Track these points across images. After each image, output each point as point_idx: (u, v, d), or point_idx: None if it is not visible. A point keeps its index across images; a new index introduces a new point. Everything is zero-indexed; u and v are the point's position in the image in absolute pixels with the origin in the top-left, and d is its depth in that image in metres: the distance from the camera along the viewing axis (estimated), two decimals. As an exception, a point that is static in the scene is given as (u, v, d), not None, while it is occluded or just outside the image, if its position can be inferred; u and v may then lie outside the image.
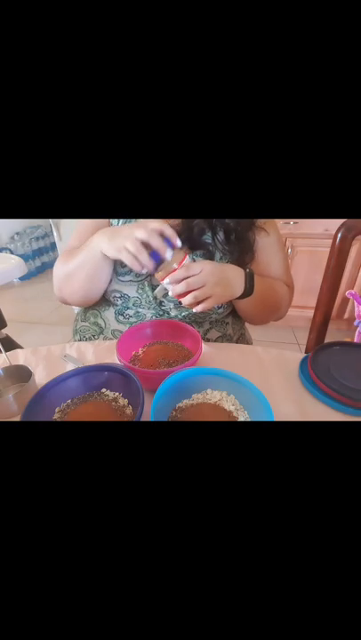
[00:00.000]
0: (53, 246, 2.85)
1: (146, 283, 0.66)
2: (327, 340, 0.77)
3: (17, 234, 2.71)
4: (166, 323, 0.62)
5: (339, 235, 0.68)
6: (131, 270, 0.66)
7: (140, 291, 0.67)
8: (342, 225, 0.68)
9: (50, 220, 2.10)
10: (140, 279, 0.66)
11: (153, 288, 0.66)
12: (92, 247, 0.59)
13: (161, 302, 0.67)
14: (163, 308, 0.68)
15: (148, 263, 0.52)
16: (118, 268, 0.67)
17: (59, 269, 0.67)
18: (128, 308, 0.70)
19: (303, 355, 0.58)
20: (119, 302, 0.69)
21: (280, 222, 1.60)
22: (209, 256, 0.64)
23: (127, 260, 0.53)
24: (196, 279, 0.52)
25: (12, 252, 2.56)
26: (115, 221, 0.69)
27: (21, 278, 2.46)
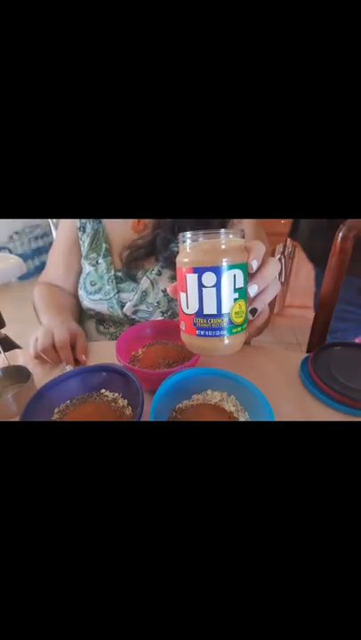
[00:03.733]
0: (52, 246, 2.85)
1: (114, 301, 0.66)
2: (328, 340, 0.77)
3: (16, 233, 2.71)
4: (166, 323, 0.62)
5: (339, 235, 0.68)
6: (100, 289, 0.67)
7: (110, 309, 0.67)
8: (342, 225, 0.68)
9: (49, 219, 2.10)
10: (108, 297, 0.66)
11: (122, 305, 0.66)
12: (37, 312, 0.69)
13: (132, 319, 0.67)
14: (136, 322, 0.68)
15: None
16: (88, 286, 0.68)
17: (34, 297, 0.74)
18: (105, 321, 0.71)
19: (304, 355, 0.58)
20: (96, 317, 0.71)
21: (280, 222, 1.60)
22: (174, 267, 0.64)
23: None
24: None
25: (10, 252, 2.56)
26: (83, 238, 0.71)
27: (20, 278, 2.46)
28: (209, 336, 0.32)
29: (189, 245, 0.33)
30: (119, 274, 0.67)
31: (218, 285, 0.31)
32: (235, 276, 0.31)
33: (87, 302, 0.69)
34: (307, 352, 0.69)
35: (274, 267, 0.35)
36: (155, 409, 0.40)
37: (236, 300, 0.32)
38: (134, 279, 0.66)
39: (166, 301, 0.64)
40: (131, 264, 0.66)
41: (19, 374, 0.54)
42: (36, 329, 0.59)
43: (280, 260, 1.64)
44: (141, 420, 0.41)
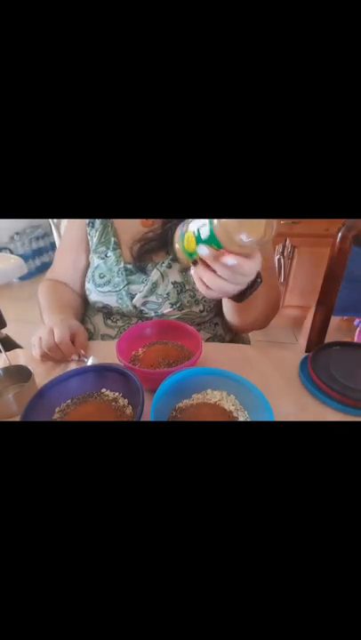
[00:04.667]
0: (53, 246, 2.85)
1: (124, 292, 0.67)
2: (327, 340, 0.77)
3: (17, 233, 2.70)
4: (166, 323, 0.62)
5: (339, 235, 0.68)
6: (109, 281, 0.68)
7: (119, 301, 0.67)
8: (342, 225, 0.68)
9: (50, 219, 2.10)
10: (118, 289, 0.67)
11: (132, 297, 0.67)
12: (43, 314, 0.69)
13: (141, 310, 0.68)
14: (144, 315, 0.68)
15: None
16: (97, 278, 0.69)
17: (39, 294, 0.74)
18: (113, 315, 0.71)
19: (303, 355, 0.58)
20: (103, 311, 0.71)
21: (280, 222, 1.60)
22: None
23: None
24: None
25: (11, 252, 2.56)
26: (92, 233, 0.71)
27: (21, 278, 2.46)
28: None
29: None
30: (129, 266, 0.67)
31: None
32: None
33: (95, 295, 0.69)
34: (306, 352, 0.69)
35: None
36: (155, 408, 0.40)
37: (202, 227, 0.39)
38: (144, 271, 0.67)
39: (176, 293, 0.65)
40: (142, 257, 0.67)
41: (20, 374, 0.54)
42: (37, 328, 0.60)
43: (279, 260, 1.65)
44: (141, 419, 0.41)
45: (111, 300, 0.68)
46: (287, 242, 1.65)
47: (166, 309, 0.66)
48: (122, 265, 0.67)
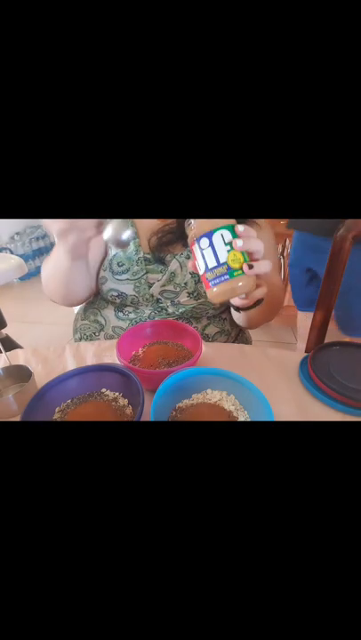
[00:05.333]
0: (53, 246, 2.85)
1: (142, 280, 0.67)
2: (327, 339, 0.77)
3: (17, 234, 2.70)
4: (166, 323, 0.62)
5: (339, 235, 0.68)
6: (128, 269, 0.67)
7: (136, 289, 0.67)
8: (342, 225, 0.68)
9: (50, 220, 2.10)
10: (136, 277, 0.67)
11: (149, 285, 0.67)
12: (55, 251, 0.60)
13: (158, 299, 0.68)
14: (160, 305, 0.69)
15: (87, 225, 0.47)
16: (115, 267, 0.68)
17: (43, 269, 0.69)
18: (126, 306, 0.71)
19: (303, 354, 0.58)
20: (117, 300, 0.70)
21: (280, 222, 1.60)
22: None
23: (65, 240, 0.50)
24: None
25: (12, 252, 2.56)
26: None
27: (21, 278, 2.46)
28: (218, 283, 0.42)
29: (191, 226, 0.43)
30: (148, 256, 0.68)
31: (211, 245, 0.41)
32: (222, 235, 0.41)
33: (111, 283, 0.69)
34: (306, 352, 0.69)
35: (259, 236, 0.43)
36: (155, 408, 0.40)
37: (228, 251, 0.41)
38: (162, 262, 0.68)
39: (193, 283, 0.66)
40: (160, 248, 0.67)
41: (20, 374, 0.54)
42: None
43: (279, 259, 1.65)
44: (141, 419, 0.41)
45: (128, 289, 0.68)
46: (287, 242, 1.65)
47: (183, 298, 0.67)
48: (141, 254, 0.67)
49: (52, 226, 0.48)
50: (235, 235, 0.41)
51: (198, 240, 0.42)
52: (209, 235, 0.41)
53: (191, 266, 0.46)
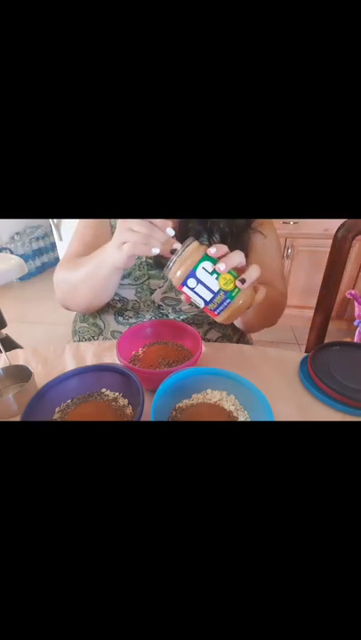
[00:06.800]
0: (53, 246, 2.85)
1: (144, 286, 0.66)
2: (327, 339, 0.77)
3: (17, 234, 2.71)
4: (166, 323, 0.62)
5: (339, 235, 0.68)
6: (130, 274, 0.66)
7: (138, 294, 0.67)
8: (342, 225, 0.68)
9: (50, 220, 2.10)
10: (138, 283, 0.66)
11: (151, 291, 0.67)
12: (103, 260, 0.54)
13: (159, 305, 0.68)
14: (161, 311, 0.68)
15: (159, 235, 0.45)
16: None
17: (62, 277, 0.64)
18: (127, 310, 0.70)
19: (303, 355, 0.58)
20: (118, 305, 0.70)
21: (280, 222, 1.60)
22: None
23: (131, 248, 0.46)
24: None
25: (12, 252, 2.56)
26: (115, 222, 0.69)
27: (21, 278, 2.46)
28: (222, 310, 0.44)
29: (170, 272, 0.44)
30: (150, 261, 0.66)
31: (199, 282, 0.43)
32: (204, 268, 0.43)
33: None
34: (306, 352, 0.69)
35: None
36: (155, 408, 0.40)
37: (217, 278, 0.43)
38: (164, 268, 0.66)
39: None
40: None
41: (20, 374, 0.54)
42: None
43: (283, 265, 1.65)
44: (141, 419, 0.41)
45: (129, 294, 0.67)
46: (287, 242, 1.66)
47: (185, 306, 0.67)
48: (143, 259, 0.66)
49: (123, 234, 0.45)
50: (213, 260, 0.43)
51: (185, 283, 0.44)
52: (192, 274, 0.43)
53: (185, 299, 0.48)
